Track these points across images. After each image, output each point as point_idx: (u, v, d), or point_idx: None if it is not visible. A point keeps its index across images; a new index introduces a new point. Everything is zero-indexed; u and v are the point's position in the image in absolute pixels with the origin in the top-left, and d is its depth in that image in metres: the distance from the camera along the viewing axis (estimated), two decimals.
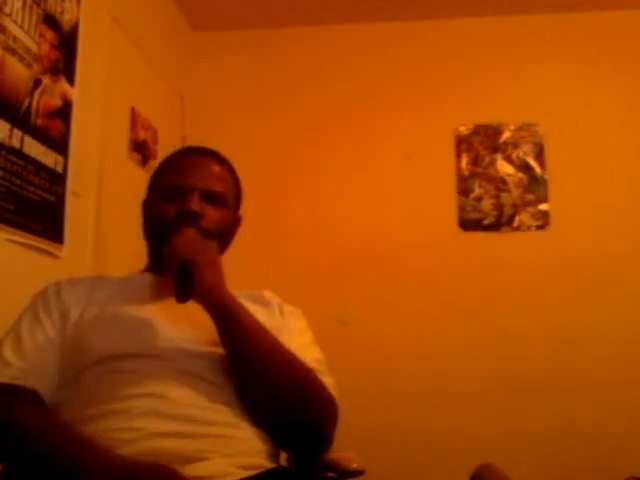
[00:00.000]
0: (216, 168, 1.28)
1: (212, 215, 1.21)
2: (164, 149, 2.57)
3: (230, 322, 1.10)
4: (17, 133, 1.63)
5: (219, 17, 3.02)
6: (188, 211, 1.18)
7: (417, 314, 2.81)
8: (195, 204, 1.19)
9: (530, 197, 2.88)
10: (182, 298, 1.07)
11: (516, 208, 2.88)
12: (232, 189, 1.30)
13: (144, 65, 2.57)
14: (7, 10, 1.60)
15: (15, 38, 1.63)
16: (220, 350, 1.11)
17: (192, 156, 1.29)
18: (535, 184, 2.89)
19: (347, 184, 2.96)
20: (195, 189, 1.21)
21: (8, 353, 1.08)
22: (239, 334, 1.09)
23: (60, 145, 1.86)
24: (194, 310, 1.10)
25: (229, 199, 1.27)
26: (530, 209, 2.87)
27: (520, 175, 2.90)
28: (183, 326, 1.13)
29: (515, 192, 2.89)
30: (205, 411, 1.04)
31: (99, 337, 1.10)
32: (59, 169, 1.85)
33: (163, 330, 1.12)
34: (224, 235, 1.25)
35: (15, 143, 1.63)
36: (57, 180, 1.84)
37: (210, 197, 1.22)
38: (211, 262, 1.11)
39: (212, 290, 1.09)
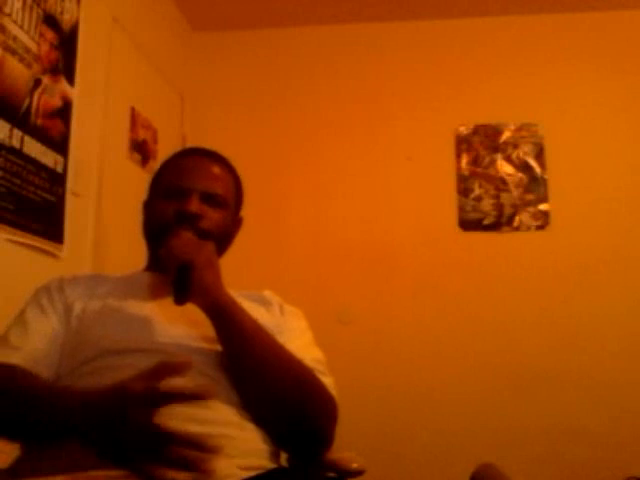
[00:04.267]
0: (217, 170, 1.28)
1: (211, 217, 1.22)
2: (164, 149, 2.58)
3: (228, 322, 1.10)
4: (17, 133, 1.63)
5: (219, 17, 3.02)
6: (186, 213, 1.19)
7: (417, 314, 2.81)
8: (194, 206, 1.19)
9: (530, 197, 2.88)
10: (180, 301, 1.07)
11: (516, 208, 2.87)
12: (232, 191, 1.30)
13: (144, 65, 2.57)
14: (7, 10, 1.60)
15: (15, 38, 1.63)
16: (220, 347, 1.11)
17: (193, 157, 1.30)
18: (535, 184, 2.89)
19: (347, 184, 2.96)
20: (195, 190, 1.21)
21: (14, 339, 1.10)
22: (237, 334, 1.10)
23: (60, 145, 1.86)
24: (193, 308, 1.10)
25: (229, 201, 1.28)
26: (530, 209, 2.87)
27: (520, 175, 2.90)
28: (182, 323, 1.13)
29: (515, 192, 2.89)
30: (207, 409, 1.03)
31: (101, 331, 1.11)
32: (59, 169, 1.85)
33: (163, 326, 1.12)
34: (223, 237, 1.26)
35: (15, 143, 1.63)
36: (57, 180, 1.84)
37: (210, 199, 1.23)
38: (208, 262, 1.11)
39: (210, 290, 1.10)
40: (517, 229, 2.86)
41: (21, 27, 1.66)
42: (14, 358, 1.07)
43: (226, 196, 1.26)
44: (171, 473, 0.79)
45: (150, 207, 1.29)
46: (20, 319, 1.14)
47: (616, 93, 2.90)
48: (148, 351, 1.08)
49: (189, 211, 1.19)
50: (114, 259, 2.17)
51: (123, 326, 1.12)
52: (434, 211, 2.90)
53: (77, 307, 1.15)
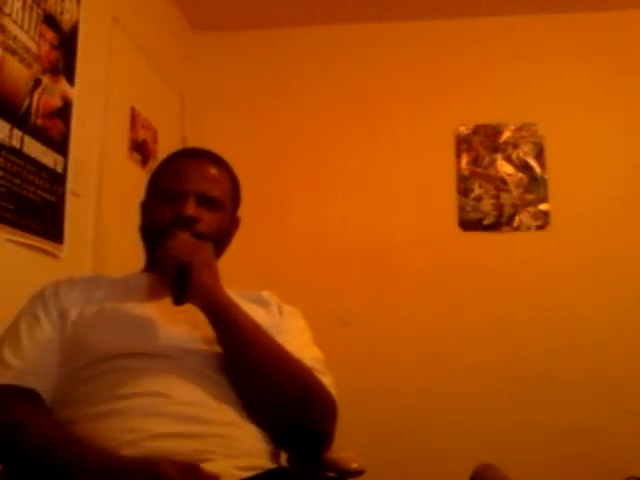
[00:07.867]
0: (213, 171, 1.27)
1: (208, 219, 1.22)
2: (164, 149, 2.58)
3: (227, 323, 1.10)
4: (17, 133, 1.63)
5: (219, 17, 3.02)
6: (183, 216, 1.18)
7: (417, 314, 2.81)
8: (190, 209, 1.19)
9: (530, 197, 2.88)
10: (178, 301, 1.07)
11: (516, 208, 2.87)
12: (229, 191, 1.30)
13: (144, 65, 2.56)
14: (7, 10, 1.60)
15: (15, 38, 1.63)
16: (219, 348, 1.11)
17: (189, 159, 1.29)
18: (535, 184, 2.89)
19: (347, 184, 2.96)
20: (191, 193, 1.21)
21: (8, 355, 1.09)
22: (236, 335, 1.10)
23: (60, 145, 1.86)
24: (191, 309, 1.10)
25: (226, 202, 1.27)
26: (530, 209, 2.87)
27: (520, 175, 2.90)
28: (181, 325, 1.13)
29: (515, 192, 2.89)
30: (208, 410, 1.04)
31: (99, 336, 1.10)
32: (59, 169, 1.85)
33: (162, 329, 1.12)
34: (221, 238, 1.26)
35: (15, 143, 1.63)
36: (57, 180, 1.84)
37: (206, 201, 1.23)
38: (206, 263, 1.11)
39: (208, 291, 1.10)
40: (517, 229, 2.86)
41: (21, 27, 1.66)
42: (5, 378, 1.06)
43: (223, 198, 1.26)
44: None
45: (147, 209, 1.29)
46: (13, 331, 1.13)
47: (616, 93, 2.90)
48: (147, 354, 1.08)
49: (185, 214, 1.19)
50: (114, 259, 2.17)
51: (121, 330, 1.12)
52: (434, 211, 2.90)
53: (73, 313, 1.14)
